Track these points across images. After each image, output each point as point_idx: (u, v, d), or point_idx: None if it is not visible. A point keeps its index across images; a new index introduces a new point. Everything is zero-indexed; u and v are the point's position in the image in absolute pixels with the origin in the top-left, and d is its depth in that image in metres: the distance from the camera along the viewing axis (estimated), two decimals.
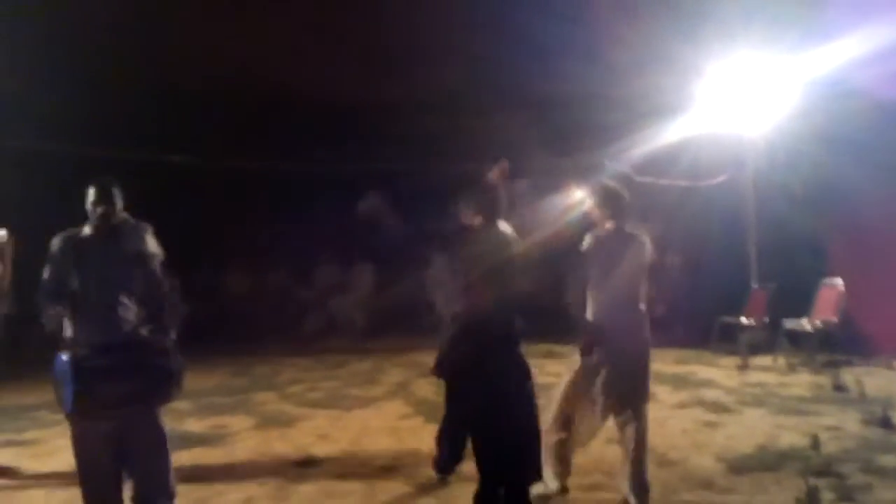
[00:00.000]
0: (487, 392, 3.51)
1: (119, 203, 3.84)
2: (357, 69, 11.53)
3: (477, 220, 3.77)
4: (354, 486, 4.38)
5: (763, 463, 4.56)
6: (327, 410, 6.48)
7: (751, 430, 5.37)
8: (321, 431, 5.77)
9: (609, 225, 4.11)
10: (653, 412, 5.50)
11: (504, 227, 3.85)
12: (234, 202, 12.47)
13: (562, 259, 4.58)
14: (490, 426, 3.52)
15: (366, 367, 8.72)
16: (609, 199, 4.18)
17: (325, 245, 12.39)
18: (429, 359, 3.89)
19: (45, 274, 3.76)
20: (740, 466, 4.52)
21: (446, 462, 4.37)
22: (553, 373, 7.77)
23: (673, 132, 9.02)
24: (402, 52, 10.66)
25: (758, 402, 6.25)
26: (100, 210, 3.74)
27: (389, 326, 11.17)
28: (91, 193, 3.74)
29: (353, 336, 11.17)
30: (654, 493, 3.93)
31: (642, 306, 4.06)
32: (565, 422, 4.07)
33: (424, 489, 4.30)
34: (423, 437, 5.02)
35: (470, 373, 3.55)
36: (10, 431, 5.88)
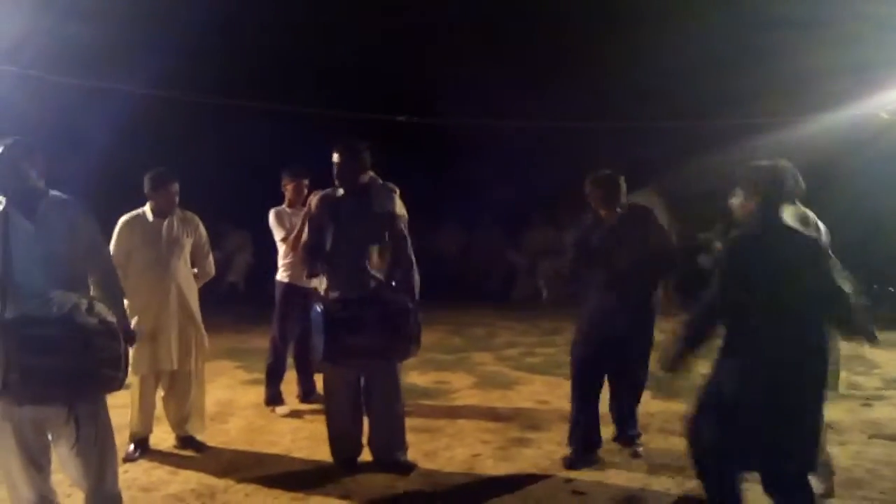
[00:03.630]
0: None
1: (366, 164, 4.24)
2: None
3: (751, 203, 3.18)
4: None
5: None
6: (545, 377, 6.71)
7: None
8: (540, 397, 6.01)
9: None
10: None
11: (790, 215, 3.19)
12: (447, 159, 13.04)
13: None
14: None
15: None
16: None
17: (539, 206, 12.61)
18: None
19: (305, 233, 4.29)
20: None
21: None
22: None
23: None
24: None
25: None
26: (347, 171, 4.15)
27: None
28: (337, 155, 4.12)
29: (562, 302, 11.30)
30: None
31: None
32: None
33: (658, 469, 4.31)
34: (653, 412, 5.05)
35: None
36: (258, 371, 6.77)
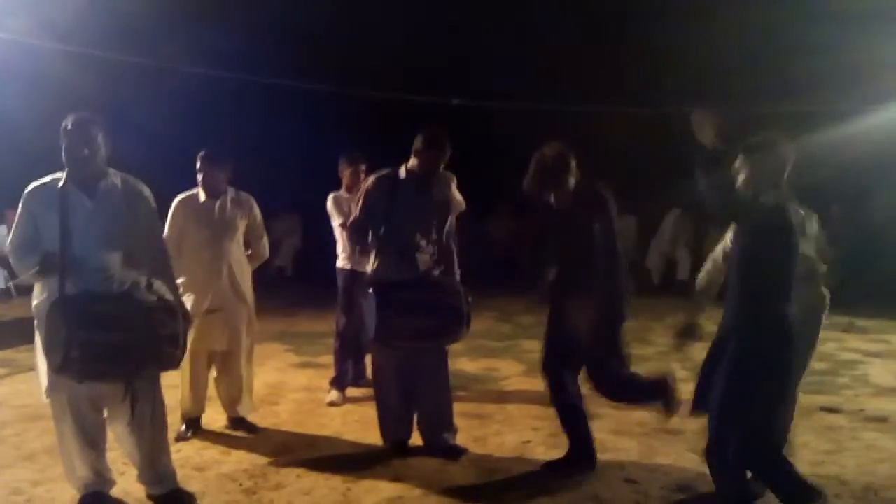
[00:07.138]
0: None
1: (448, 156, 4.18)
2: None
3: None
4: (631, 445, 4.55)
5: None
6: None
7: None
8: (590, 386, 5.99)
9: None
10: None
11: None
12: (499, 144, 13.00)
13: None
14: None
15: (634, 325, 8.75)
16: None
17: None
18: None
19: (357, 211, 4.33)
20: None
21: None
22: (854, 349, 7.31)
23: None
24: None
25: None
26: (433, 163, 4.13)
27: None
28: (426, 144, 4.09)
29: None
30: None
31: None
32: None
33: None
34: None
35: None
36: (307, 354, 6.94)
